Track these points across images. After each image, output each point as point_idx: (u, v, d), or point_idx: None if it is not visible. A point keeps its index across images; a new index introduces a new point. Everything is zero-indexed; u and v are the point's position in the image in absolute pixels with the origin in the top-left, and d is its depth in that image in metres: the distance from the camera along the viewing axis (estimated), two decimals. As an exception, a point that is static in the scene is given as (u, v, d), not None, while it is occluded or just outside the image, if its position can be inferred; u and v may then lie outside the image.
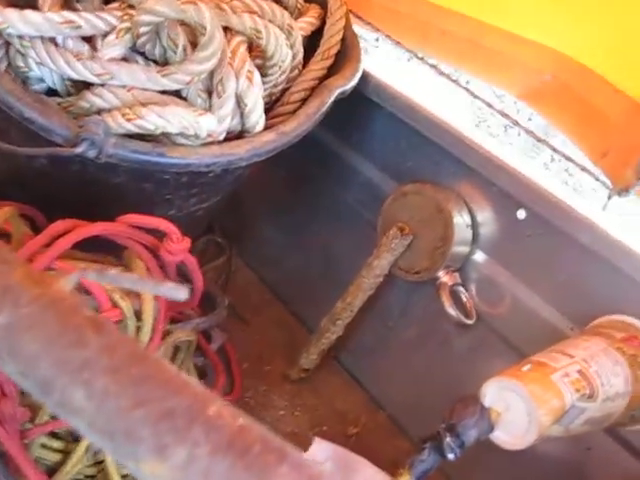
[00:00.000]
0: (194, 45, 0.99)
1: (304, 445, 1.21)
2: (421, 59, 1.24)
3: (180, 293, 0.46)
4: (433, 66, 1.23)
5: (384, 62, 1.29)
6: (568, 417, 0.86)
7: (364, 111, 1.30)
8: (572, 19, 1.17)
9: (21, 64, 0.99)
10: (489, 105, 1.19)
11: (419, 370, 1.30)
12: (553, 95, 1.21)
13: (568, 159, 1.12)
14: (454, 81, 1.22)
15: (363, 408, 1.35)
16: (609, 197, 1.10)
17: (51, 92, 1.03)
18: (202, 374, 1.28)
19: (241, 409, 0.32)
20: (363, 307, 1.26)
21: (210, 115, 0.95)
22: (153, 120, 0.91)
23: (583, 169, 1.11)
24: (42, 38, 0.95)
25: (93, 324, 0.41)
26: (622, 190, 1.08)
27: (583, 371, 0.88)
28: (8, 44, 1.00)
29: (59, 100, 1.01)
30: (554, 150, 1.12)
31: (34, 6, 1.01)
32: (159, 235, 0.97)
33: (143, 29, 0.95)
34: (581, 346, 0.94)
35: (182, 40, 0.97)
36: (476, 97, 1.21)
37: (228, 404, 0.36)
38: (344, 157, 1.37)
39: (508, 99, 1.34)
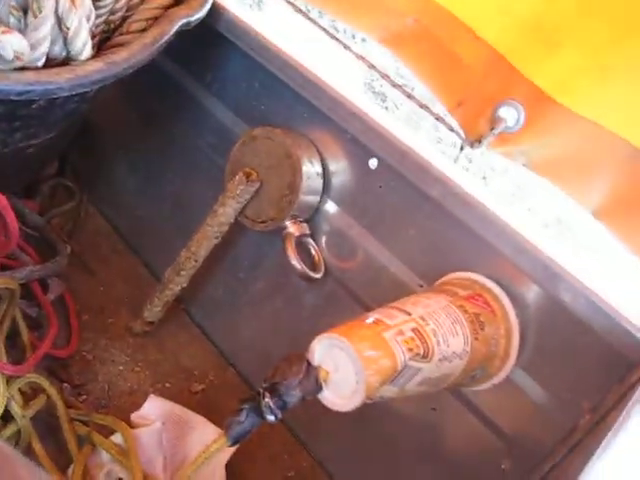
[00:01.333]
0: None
1: (141, 403, 1.15)
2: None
3: None
4: (290, 2, 1.15)
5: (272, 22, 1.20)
6: (402, 377, 0.80)
7: (217, 48, 1.21)
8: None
9: None
10: (346, 47, 1.12)
11: (268, 325, 1.25)
12: (414, 40, 1.15)
13: (423, 107, 1.06)
14: (311, 19, 1.14)
15: (211, 364, 1.29)
16: (461, 148, 1.05)
17: None
18: (36, 325, 1.19)
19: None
20: (212, 257, 1.19)
21: (16, 34, 0.84)
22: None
23: (437, 118, 1.06)
24: None
25: None
26: (475, 141, 1.04)
27: (419, 329, 0.83)
28: None
29: None
30: (409, 97, 1.06)
31: None
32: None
33: None
34: (421, 303, 0.89)
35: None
36: (335, 39, 1.14)
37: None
38: (198, 98, 1.28)
39: (370, 43, 1.27)
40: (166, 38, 1.02)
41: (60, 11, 0.90)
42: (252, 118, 1.19)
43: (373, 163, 1.06)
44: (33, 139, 1.09)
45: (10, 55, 0.84)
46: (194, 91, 1.28)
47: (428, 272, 1.04)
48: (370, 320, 0.83)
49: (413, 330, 0.83)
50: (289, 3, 1.15)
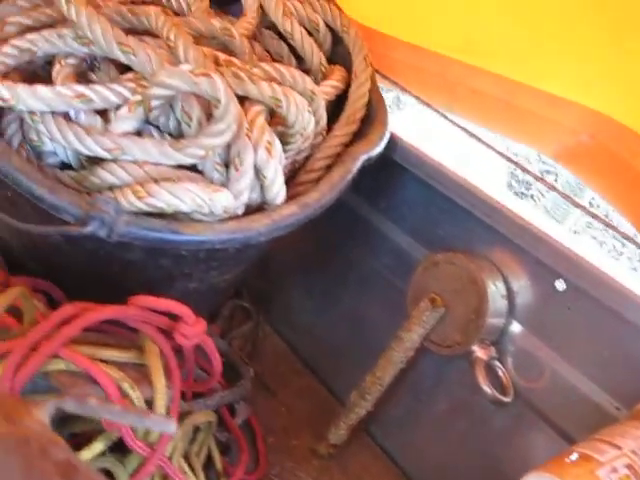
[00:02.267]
0: (210, 116, 0.95)
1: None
2: (451, 121, 1.18)
3: (168, 426, 0.40)
4: (463, 128, 1.17)
5: (411, 124, 1.24)
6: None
7: (392, 175, 1.24)
8: (611, 78, 1.11)
9: (34, 138, 0.96)
10: (524, 169, 1.13)
11: (452, 446, 1.23)
12: (590, 156, 1.14)
13: (609, 226, 1.05)
14: (486, 144, 1.16)
15: (394, 485, 1.29)
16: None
17: (65, 165, 1.00)
18: (225, 450, 1.22)
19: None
20: (394, 378, 1.20)
21: (226, 191, 0.90)
22: (165, 198, 0.86)
23: (626, 237, 1.04)
24: (53, 113, 0.92)
25: (62, 471, 0.36)
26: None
27: (632, 465, 0.81)
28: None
29: (72, 174, 0.97)
30: (594, 217, 1.06)
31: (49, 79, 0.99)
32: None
33: (155, 102, 0.91)
34: (630, 434, 0.86)
35: (196, 112, 0.93)
36: (510, 160, 1.15)
37: None
38: (373, 222, 1.32)
39: (541, 160, 1.28)
40: (351, 176, 1.06)
41: (258, 162, 0.95)
42: (430, 242, 1.21)
43: (560, 285, 1.05)
44: (226, 275, 1.15)
45: (220, 211, 0.90)
46: (369, 216, 1.32)
47: (625, 394, 1.00)
48: (575, 456, 0.81)
49: (627, 467, 0.80)
50: (462, 129, 1.17)
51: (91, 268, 1.06)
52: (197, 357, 1.05)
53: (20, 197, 0.93)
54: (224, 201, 0.90)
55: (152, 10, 1.03)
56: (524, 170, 1.17)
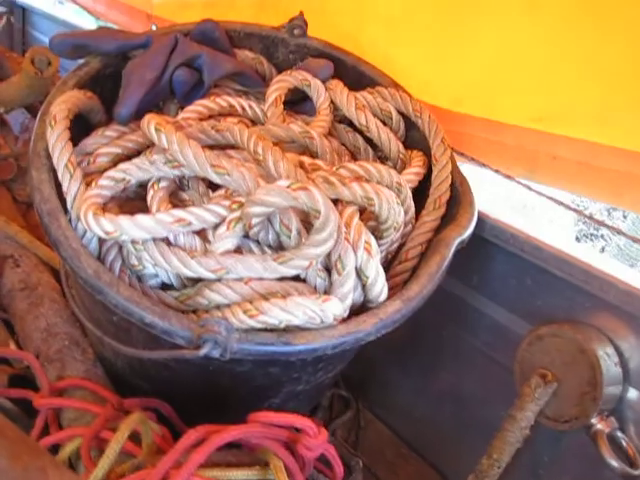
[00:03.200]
0: (306, 223, 0.96)
1: None
2: (536, 191, 1.18)
3: None
4: (550, 197, 1.16)
5: (497, 199, 1.23)
6: None
7: (482, 251, 1.24)
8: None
9: (135, 262, 0.98)
10: (619, 231, 1.12)
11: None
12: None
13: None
14: (575, 210, 1.15)
15: None
16: None
17: (166, 284, 1.02)
18: None
19: None
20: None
21: (335, 300, 0.90)
22: (277, 315, 0.87)
23: None
24: (154, 239, 0.94)
25: None
26: None
27: None
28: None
29: (175, 294, 0.98)
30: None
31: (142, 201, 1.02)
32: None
33: (255, 220, 0.92)
34: None
35: (295, 224, 0.94)
36: (601, 224, 1.14)
37: None
38: (466, 299, 1.31)
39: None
40: (448, 262, 1.05)
41: (359, 263, 0.95)
42: (529, 314, 1.19)
43: (675, 353, 1.03)
44: (332, 372, 1.15)
45: (331, 320, 0.90)
46: (462, 294, 1.31)
47: None
48: None
49: None
50: (549, 198, 1.16)
51: (199, 382, 1.07)
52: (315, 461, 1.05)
53: (127, 322, 0.95)
54: (335, 309, 0.90)
55: (235, 125, 1.05)
56: (598, 222, 1.16)
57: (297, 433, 0.91)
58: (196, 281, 0.98)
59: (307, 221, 0.96)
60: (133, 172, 0.99)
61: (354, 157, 1.22)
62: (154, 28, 1.97)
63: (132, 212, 0.95)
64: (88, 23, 2.42)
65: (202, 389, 1.09)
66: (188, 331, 0.89)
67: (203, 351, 0.87)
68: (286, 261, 0.90)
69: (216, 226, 0.97)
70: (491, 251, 1.22)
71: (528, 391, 1.11)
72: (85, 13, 2.47)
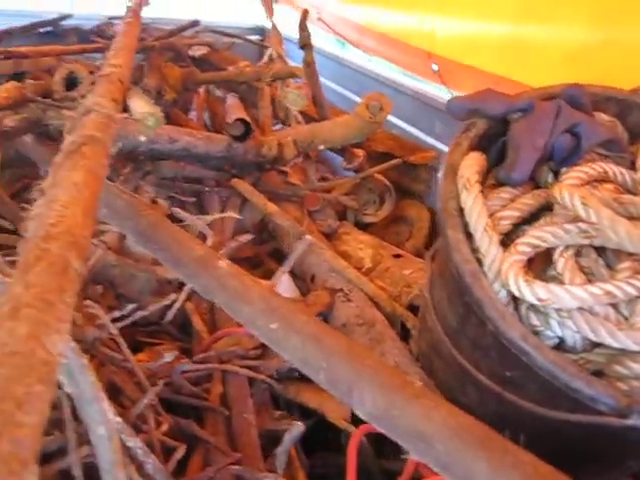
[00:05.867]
0: None
1: None
2: None
3: None
4: None
5: None
6: None
7: None
8: None
9: (536, 323, 1.03)
10: None
11: None
12: None
13: None
14: None
15: None
16: None
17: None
18: None
19: None
20: None
21: None
22: None
23: None
24: (579, 308, 0.99)
25: None
26: None
27: None
28: (516, 300, 1.05)
29: (574, 357, 1.03)
30: None
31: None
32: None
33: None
34: None
35: None
36: None
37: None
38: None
39: None
40: None
41: None
42: None
43: None
44: None
45: None
46: None
47: None
48: None
49: None
50: None
51: (593, 443, 1.07)
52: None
53: (523, 377, 1.00)
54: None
55: (635, 197, 1.08)
56: None
57: None
58: (594, 346, 1.03)
59: None
60: (548, 240, 1.04)
61: None
62: (435, 68, 2.04)
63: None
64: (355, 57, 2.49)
65: (590, 449, 1.09)
66: (613, 399, 0.93)
67: (630, 421, 0.91)
68: None
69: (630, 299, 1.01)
70: None
71: None
72: (346, 44, 2.55)
